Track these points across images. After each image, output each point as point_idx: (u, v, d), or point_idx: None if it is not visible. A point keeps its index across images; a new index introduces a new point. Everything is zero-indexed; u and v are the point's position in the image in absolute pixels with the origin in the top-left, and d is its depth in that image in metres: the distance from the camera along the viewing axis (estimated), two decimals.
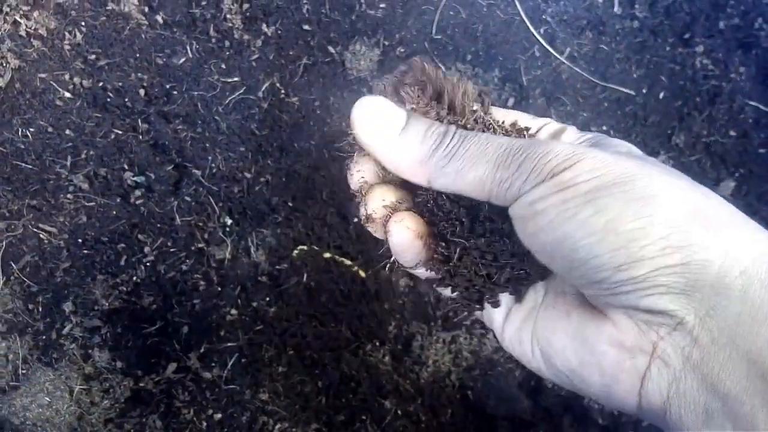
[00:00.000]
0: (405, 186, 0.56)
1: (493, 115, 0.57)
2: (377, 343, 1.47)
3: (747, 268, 0.41)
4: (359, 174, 0.56)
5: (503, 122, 0.56)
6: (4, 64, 1.47)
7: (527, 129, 0.56)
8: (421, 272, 0.57)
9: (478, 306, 0.56)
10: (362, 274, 1.50)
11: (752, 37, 1.53)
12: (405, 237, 0.53)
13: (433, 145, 0.51)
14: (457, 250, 0.52)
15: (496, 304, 0.56)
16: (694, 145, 1.51)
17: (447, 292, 0.56)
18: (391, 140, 0.52)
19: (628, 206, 0.43)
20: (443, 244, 0.53)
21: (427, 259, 0.54)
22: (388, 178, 0.55)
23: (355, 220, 1.52)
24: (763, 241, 0.43)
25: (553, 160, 0.45)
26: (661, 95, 1.57)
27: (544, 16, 1.66)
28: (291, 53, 1.58)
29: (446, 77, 0.54)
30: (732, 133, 1.51)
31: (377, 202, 0.54)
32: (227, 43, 1.57)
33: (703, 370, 0.42)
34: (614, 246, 0.42)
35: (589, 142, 0.55)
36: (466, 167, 0.49)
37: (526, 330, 0.55)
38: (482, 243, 0.51)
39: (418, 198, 0.54)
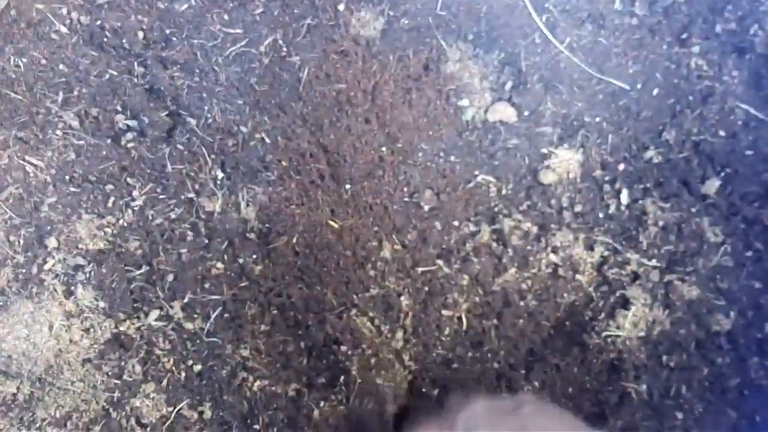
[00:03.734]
0: None
1: None
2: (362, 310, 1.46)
3: None
4: None
5: None
6: None
7: None
8: None
9: None
10: (350, 239, 1.49)
11: (747, 42, 1.57)
12: None
13: None
14: None
15: None
16: (683, 142, 1.55)
17: None
18: None
19: None
20: None
21: None
22: None
23: (348, 186, 1.51)
24: None
25: None
26: (655, 92, 1.60)
27: (546, 5, 1.68)
28: (296, 11, 1.56)
29: None
30: (721, 133, 1.55)
31: None
32: None
33: None
34: None
35: None
36: None
37: None
38: None
39: None
